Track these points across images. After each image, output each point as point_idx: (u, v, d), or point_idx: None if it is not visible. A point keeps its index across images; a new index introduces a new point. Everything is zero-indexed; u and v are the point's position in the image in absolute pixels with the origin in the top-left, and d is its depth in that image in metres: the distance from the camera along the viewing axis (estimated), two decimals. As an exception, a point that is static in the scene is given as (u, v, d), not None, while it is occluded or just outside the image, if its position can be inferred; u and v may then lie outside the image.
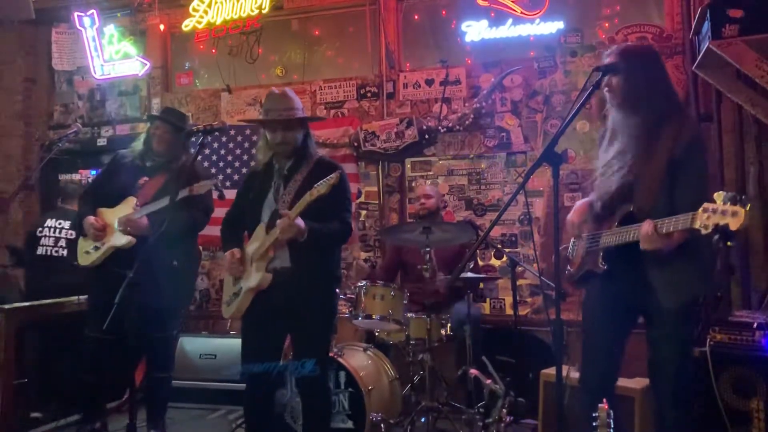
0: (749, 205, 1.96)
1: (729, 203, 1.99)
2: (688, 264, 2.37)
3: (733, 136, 4.10)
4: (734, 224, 1.97)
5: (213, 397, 4.53)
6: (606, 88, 2.57)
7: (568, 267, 2.75)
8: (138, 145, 3.72)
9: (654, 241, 2.28)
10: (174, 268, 3.46)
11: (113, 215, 3.56)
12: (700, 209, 2.07)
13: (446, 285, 3.86)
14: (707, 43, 3.47)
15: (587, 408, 2.02)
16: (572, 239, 2.76)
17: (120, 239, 3.49)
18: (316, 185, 2.79)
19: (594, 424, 1.86)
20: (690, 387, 2.58)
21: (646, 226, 2.29)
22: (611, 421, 1.84)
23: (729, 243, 2.05)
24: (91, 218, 3.54)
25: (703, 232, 2.05)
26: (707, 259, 2.60)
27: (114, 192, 3.61)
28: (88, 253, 3.60)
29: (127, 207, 3.54)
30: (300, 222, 2.79)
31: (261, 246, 2.92)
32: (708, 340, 3.11)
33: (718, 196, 2.03)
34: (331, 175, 2.82)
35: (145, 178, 3.60)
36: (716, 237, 2.03)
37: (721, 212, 2.00)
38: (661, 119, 2.48)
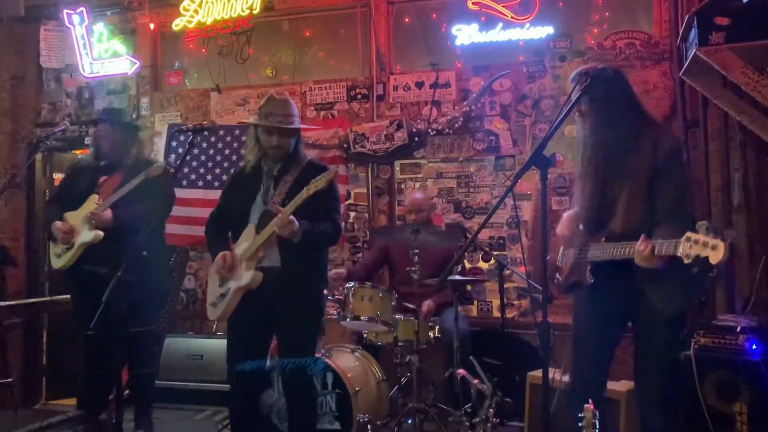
0: (729, 240, 2.00)
1: (711, 235, 2.02)
2: (681, 275, 2.39)
3: (719, 143, 4.14)
4: (714, 258, 2.01)
5: (199, 397, 4.51)
6: (576, 112, 2.60)
7: (557, 275, 2.77)
8: (91, 149, 3.91)
9: (649, 260, 2.29)
10: (144, 258, 3.39)
11: (78, 216, 3.66)
12: (683, 238, 2.10)
13: (435, 286, 3.88)
14: (694, 50, 3.50)
15: (576, 413, 2.04)
16: (562, 248, 2.78)
17: (87, 235, 3.57)
18: (313, 180, 2.81)
19: (579, 424, 1.88)
20: (675, 391, 2.61)
21: (643, 246, 2.29)
22: (596, 421, 1.86)
23: (710, 274, 2.09)
24: (58, 223, 3.66)
25: (686, 261, 2.09)
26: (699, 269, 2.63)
27: (76, 196, 3.72)
28: (59, 256, 3.69)
29: (91, 204, 3.63)
30: (294, 220, 2.79)
31: (251, 245, 2.92)
32: (693, 344, 3.15)
33: (701, 225, 2.06)
34: (329, 170, 2.86)
35: (104, 177, 3.72)
36: (695, 269, 2.07)
37: (702, 243, 2.04)
38: (635, 133, 2.51)
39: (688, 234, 2.08)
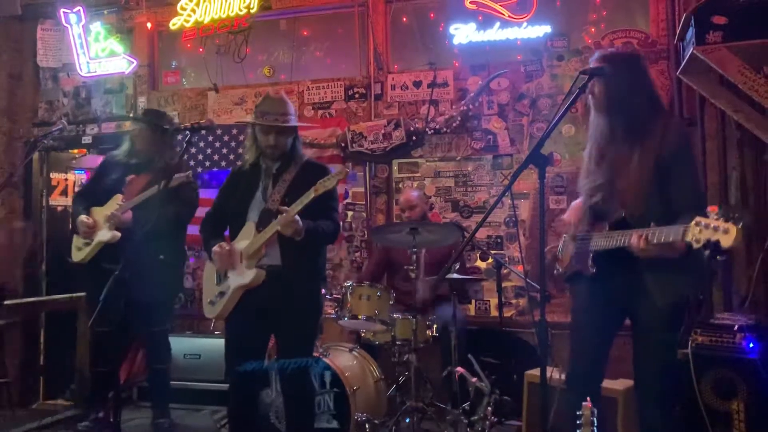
0: (742, 223, 1.97)
1: (722, 219, 2.00)
2: (681, 265, 2.39)
3: (716, 142, 4.15)
4: (726, 242, 1.97)
5: (197, 397, 4.51)
6: (589, 94, 2.60)
7: (557, 266, 2.77)
8: (125, 145, 3.97)
9: (648, 251, 2.28)
10: (161, 263, 3.61)
11: (102, 213, 3.75)
12: (693, 222, 2.08)
13: (433, 285, 3.88)
14: (691, 49, 3.50)
15: (573, 407, 2.04)
16: (562, 238, 2.78)
17: (105, 234, 3.68)
18: (321, 181, 2.81)
19: (578, 422, 1.88)
20: (673, 388, 2.61)
21: (635, 239, 2.29)
22: (595, 419, 1.86)
23: (719, 257, 2.07)
24: (83, 216, 3.75)
25: (695, 246, 2.06)
26: (700, 259, 2.62)
27: (105, 191, 3.82)
28: (80, 249, 3.80)
29: (114, 204, 3.73)
30: (298, 219, 2.80)
31: (253, 243, 2.91)
32: (690, 342, 3.15)
33: (712, 210, 2.04)
34: (338, 171, 2.87)
35: (132, 176, 3.80)
36: (707, 252, 2.05)
37: (713, 228, 2.00)
38: (644, 122, 2.51)
39: (698, 218, 2.06)
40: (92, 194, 3.88)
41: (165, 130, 3.92)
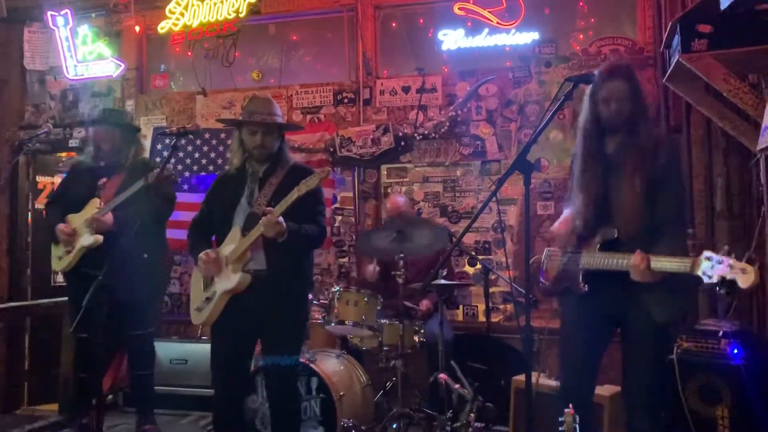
0: (757, 264, 1.98)
1: (734, 257, 1.99)
2: (677, 282, 2.38)
3: (702, 148, 4.18)
4: (744, 282, 1.98)
5: (184, 402, 4.49)
6: (613, 106, 2.53)
7: (541, 278, 2.75)
8: (89, 149, 3.91)
9: (645, 275, 2.28)
10: (145, 261, 3.58)
11: (80, 219, 3.69)
12: (702, 257, 2.07)
13: (419, 290, 3.87)
14: (677, 57, 3.53)
15: None
16: (545, 250, 2.77)
17: (87, 239, 3.61)
18: (304, 180, 2.80)
19: (560, 429, 1.88)
20: (661, 395, 2.62)
21: (638, 260, 2.28)
22: (577, 426, 1.86)
23: (732, 295, 2.08)
24: (61, 225, 3.69)
25: (706, 281, 2.06)
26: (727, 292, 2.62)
27: (78, 197, 3.76)
28: (61, 258, 3.73)
29: (92, 208, 3.67)
30: (282, 220, 2.79)
31: (238, 247, 2.90)
32: (675, 348, 3.16)
33: (721, 248, 2.04)
34: (323, 169, 2.86)
35: (104, 179, 3.74)
36: (720, 290, 2.05)
37: (728, 266, 2.01)
38: (637, 138, 2.50)
39: (707, 253, 2.06)
40: (64, 202, 3.82)
41: (126, 127, 3.89)
